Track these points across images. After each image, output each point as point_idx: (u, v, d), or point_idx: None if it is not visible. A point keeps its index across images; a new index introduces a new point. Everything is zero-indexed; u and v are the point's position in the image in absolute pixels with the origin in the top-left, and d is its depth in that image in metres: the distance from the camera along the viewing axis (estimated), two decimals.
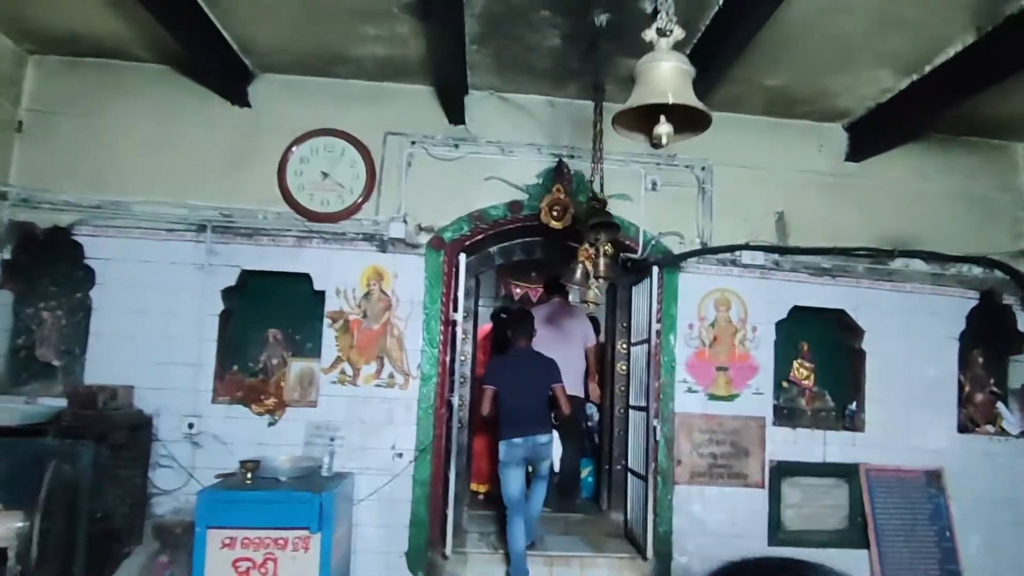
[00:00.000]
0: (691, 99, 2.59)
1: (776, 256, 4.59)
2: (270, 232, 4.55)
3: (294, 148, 4.61)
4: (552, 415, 4.59)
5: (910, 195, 4.73)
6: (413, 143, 4.65)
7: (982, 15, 3.34)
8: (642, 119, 2.79)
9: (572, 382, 5.04)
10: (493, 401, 4.45)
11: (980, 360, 4.73)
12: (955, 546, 4.42)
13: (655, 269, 4.45)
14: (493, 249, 5.09)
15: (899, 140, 4.49)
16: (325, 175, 4.63)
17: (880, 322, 4.62)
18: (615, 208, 4.12)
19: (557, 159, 4.64)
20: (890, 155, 4.62)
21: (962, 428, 4.63)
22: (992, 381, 4.75)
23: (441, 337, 4.58)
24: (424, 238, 4.61)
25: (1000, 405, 4.72)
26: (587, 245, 3.81)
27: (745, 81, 4.19)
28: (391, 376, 4.53)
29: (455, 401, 4.51)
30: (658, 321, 4.48)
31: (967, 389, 4.69)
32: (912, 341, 4.63)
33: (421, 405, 4.49)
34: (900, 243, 4.60)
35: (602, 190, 3.81)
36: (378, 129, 4.63)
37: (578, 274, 3.82)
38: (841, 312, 4.65)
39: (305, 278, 4.55)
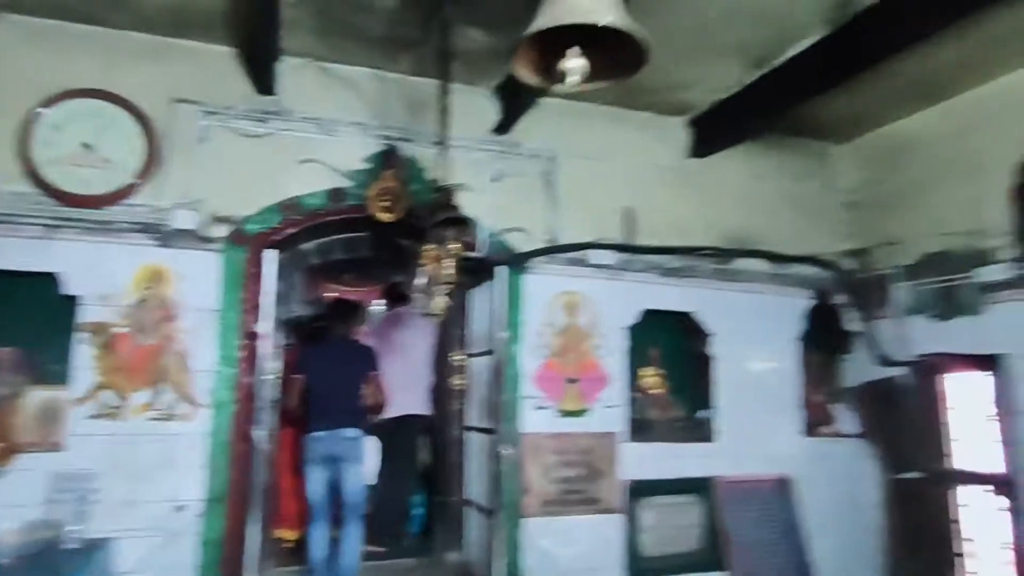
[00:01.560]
0: (624, 22, 2.00)
1: (625, 255, 4.38)
2: (1, 218, 3.49)
3: (43, 111, 3.63)
4: (366, 416, 4.13)
5: (748, 194, 4.78)
6: (209, 113, 3.86)
7: (837, 7, 3.35)
8: (547, 56, 2.24)
9: (417, 399, 4.46)
10: (301, 393, 3.96)
11: (816, 361, 4.84)
12: (809, 556, 4.38)
13: (501, 270, 4.02)
14: (308, 246, 4.37)
15: (739, 138, 4.51)
16: (87, 147, 3.69)
17: (727, 324, 4.56)
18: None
19: (388, 142, 4.09)
20: (730, 153, 4.64)
21: (805, 431, 4.67)
22: (827, 381, 4.88)
23: (242, 353, 3.75)
24: (221, 231, 3.81)
25: (836, 406, 4.85)
26: (431, 245, 3.29)
27: None
28: (171, 406, 3.62)
29: (259, 434, 3.68)
30: (503, 329, 4.03)
31: (806, 391, 4.76)
32: (757, 343, 4.62)
33: (213, 441, 3.63)
34: (741, 242, 4.62)
35: (446, 179, 3.32)
36: (163, 94, 3.79)
37: (422, 279, 3.27)
38: (689, 315, 4.53)
39: (50, 280, 3.54)
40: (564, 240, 4.30)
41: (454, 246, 3.21)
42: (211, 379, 3.68)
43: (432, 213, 3.24)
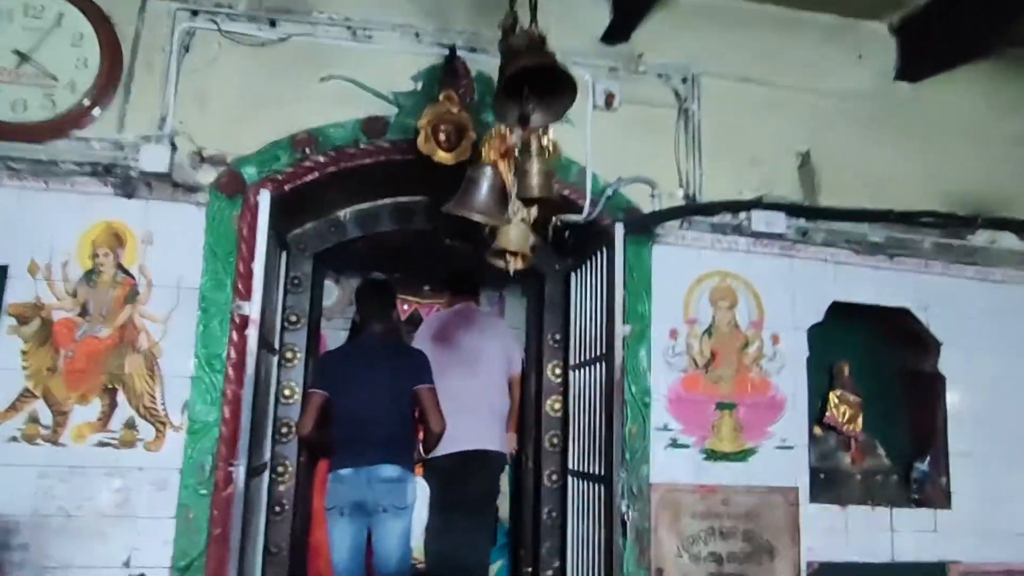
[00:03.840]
0: None
1: (803, 221, 3.20)
2: None
3: None
4: (416, 441, 3.22)
5: (990, 135, 3.46)
6: (195, 13, 2.97)
7: None
8: None
9: (491, 430, 3.40)
10: (319, 414, 2.97)
11: None
12: None
13: (617, 235, 2.90)
14: (344, 213, 3.40)
15: (976, 50, 3.21)
16: (23, 58, 2.87)
17: (962, 329, 3.23)
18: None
19: (448, 50, 3.08)
20: (960, 74, 3.35)
21: None
22: None
23: (233, 352, 2.78)
24: (208, 176, 2.89)
25: None
26: (501, 128, 2.21)
27: None
28: (130, 426, 2.71)
29: (239, 472, 2.65)
30: (623, 325, 2.91)
31: None
32: (1013, 360, 3.29)
33: (186, 481, 2.67)
34: (981, 207, 3.30)
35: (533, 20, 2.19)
36: None
37: (483, 189, 2.15)
38: (902, 313, 3.27)
39: None
40: (709, 197, 3.17)
41: (545, 137, 2.11)
42: (187, 389, 2.74)
43: (505, 65, 2.09)
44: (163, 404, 2.73)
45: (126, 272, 2.80)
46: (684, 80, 3.24)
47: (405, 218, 3.45)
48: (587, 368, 3.13)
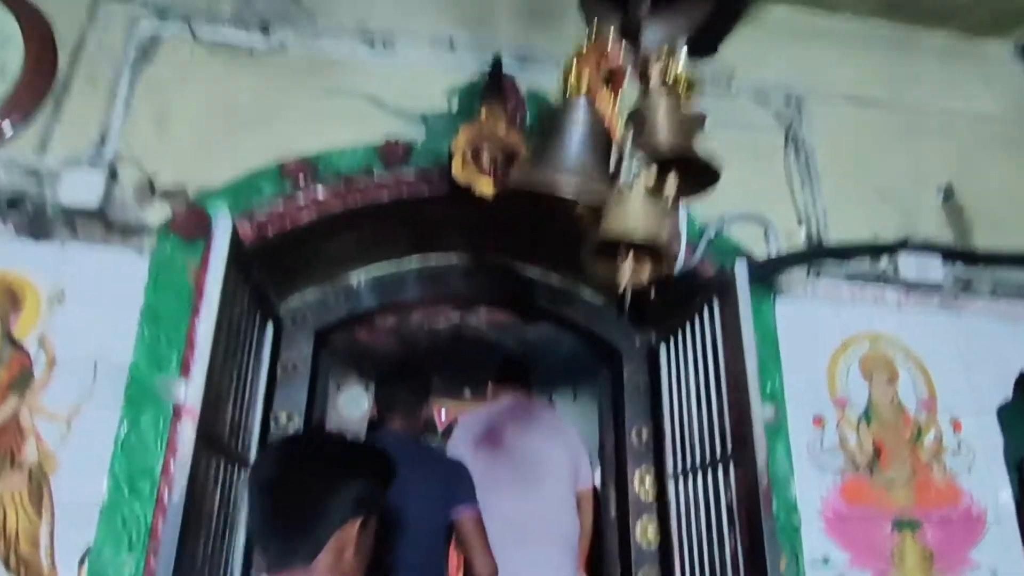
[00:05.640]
0: None
1: (960, 267, 2.24)
2: None
3: None
4: None
5: None
6: (164, 12, 2.15)
7: None
8: None
9: (559, 570, 2.20)
10: None
11: None
12: None
13: (739, 281, 1.90)
14: (358, 277, 2.39)
15: None
16: None
17: None
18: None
19: (493, 62, 2.23)
20: None
21: None
22: None
23: (175, 467, 1.66)
24: (160, 213, 1.92)
25: None
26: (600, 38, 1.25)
27: None
28: None
29: None
30: (760, 405, 1.84)
31: None
32: None
33: None
34: None
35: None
36: None
37: (573, 137, 1.12)
38: None
39: None
40: (837, 237, 2.21)
41: (672, 61, 1.18)
42: (92, 526, 1.60)
43: None
44: (49, 551, 1.59)
45: (17, 346, 1.74)
46: (787, 103, 2.40)
47: (437, 283, 2.46)
48: (696, 476, 2.01)
